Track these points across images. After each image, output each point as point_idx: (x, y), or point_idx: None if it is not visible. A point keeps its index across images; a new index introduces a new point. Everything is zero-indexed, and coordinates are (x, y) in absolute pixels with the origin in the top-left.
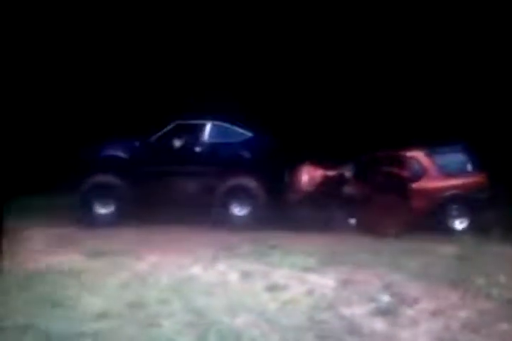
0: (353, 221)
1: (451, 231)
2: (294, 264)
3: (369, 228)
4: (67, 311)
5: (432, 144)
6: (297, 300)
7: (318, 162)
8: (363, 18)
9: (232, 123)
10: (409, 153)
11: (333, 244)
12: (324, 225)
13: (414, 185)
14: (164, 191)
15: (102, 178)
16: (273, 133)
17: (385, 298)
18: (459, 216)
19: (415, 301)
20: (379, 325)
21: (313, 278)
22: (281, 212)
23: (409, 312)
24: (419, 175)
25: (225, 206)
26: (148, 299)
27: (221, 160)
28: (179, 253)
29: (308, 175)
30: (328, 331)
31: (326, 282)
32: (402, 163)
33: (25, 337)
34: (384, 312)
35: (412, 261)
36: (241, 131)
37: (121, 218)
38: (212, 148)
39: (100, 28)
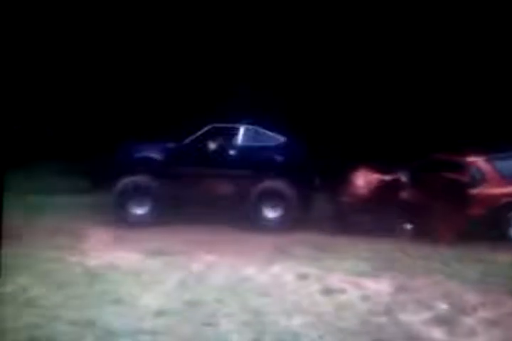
0: (408, 226)
1: (508, 239)
2: (349, 268)
3: (425, 234)
4: (127, 308)
5: (491, 149)
6: (353, 304)
7: (374, 166)
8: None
9: (266, 127)
10: (469, 159)
11: (387, 249)
12: (379, 230)
13: (473, 191)
14: (197, 193)
15: (136, 179)
16: (310, 138)
17: (443, 306)
18: None
19: (474, 310)
20: (437, 333)
21: (368, 283)
22: (336, 215)
23: (468, 321)
24: (478, 181)
25: (258, 208)
26: (205, 298)
27: (254, 164)
28: (233, 253)
29: (363, 180)
30: (384, 336)
31: (381, 287)
32: (461, 168)
33: (87, 332)
34: (442, 320)
35: (469, 268)
36: (274, 135)
37: (160, 218)
38: (246, 151)
39: (136, 29)
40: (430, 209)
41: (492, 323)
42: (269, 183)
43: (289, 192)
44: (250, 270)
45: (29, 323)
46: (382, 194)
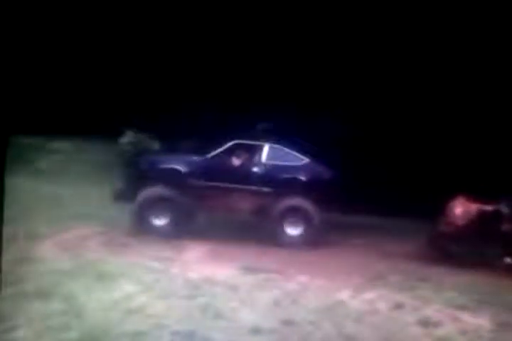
0: (509, 260)
1: None
2: (447, 300)
3: None
4: (226, 322)
5: None
6: (451, 338)
7: (474, 195)
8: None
9: (291, 147)
10: None
11: (486, 282)
12: (478, 262)
13: None
14: (217, 207)
15: (158, 190)
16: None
17: None
18: None
19: None
20: None
21: (467, 318)
22: (432, 244)
23: None
24: None
25: (279, 225)
26: (299, 319)
27: (277, 181)
28: (325, 275)
29: (462, 208)
30: None
31: (480, 322)
32: None
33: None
34: None
35: None
36: (298, 155)
37: (179, 231)
38: (269, 169)
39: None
40: None
41: None
42: (291, 201)
43: (311, 210)
44: (343, 294)
45: (134, 331)
46: (482, 225)
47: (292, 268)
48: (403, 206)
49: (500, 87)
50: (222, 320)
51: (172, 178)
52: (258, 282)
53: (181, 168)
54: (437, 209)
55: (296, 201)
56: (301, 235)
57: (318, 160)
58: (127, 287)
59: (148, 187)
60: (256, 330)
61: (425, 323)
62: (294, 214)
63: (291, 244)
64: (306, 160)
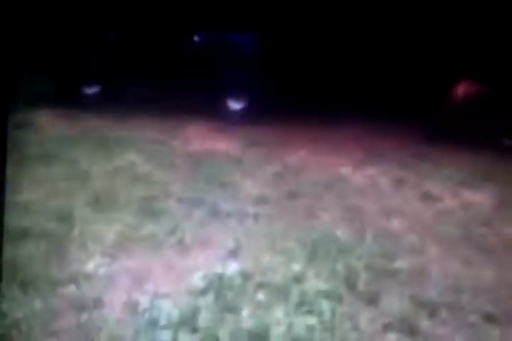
0: (507, 140)
1: None
2: (448, 176)
3: None
4: (231, 192)
5: None
6: (452, 211)
7: (475, 78)
8: None
9: None
10: None
11: (489, 160)
12: (480, 141)
13: None
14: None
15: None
16: None
17: None
18: None
19: None
20: None
21: (469, 193)
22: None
23: None
24: None
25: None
26: (302, 191)
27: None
28: (326, 151)
29: (464, 91)
30: (486, 246)
31: (482, 198)
32: None
33: (198, 209)
34: None
35: None
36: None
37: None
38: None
39: None
40: None
41: None
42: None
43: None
44: (345, 169)
45: (142, 196)
46: (483, 106)
47: (293, 144)
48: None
49: None
50: (228, 189)
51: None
52: (259, 155)
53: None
54: (441, 92)
55: (238, 74)
56: (242, 108)
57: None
58: (130, 155)
59: None
60: (261, 200)
61: (426, 197)
62: (236, 86)
63: (232, 117)
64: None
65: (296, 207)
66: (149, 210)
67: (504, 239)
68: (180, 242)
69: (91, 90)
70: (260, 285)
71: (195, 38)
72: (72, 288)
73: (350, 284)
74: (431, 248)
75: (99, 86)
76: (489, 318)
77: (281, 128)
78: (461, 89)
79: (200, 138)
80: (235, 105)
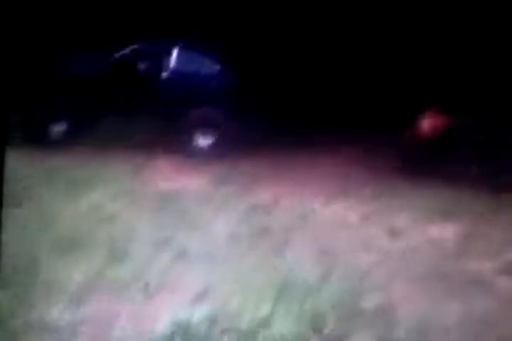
0: (477, 171)
1: None
2: (416, 211)
3: (493, 179)
4: (200, 231)
5: None
6: (419, 247)
7: (441, 110)
8: None
9: (201, 52)
10: None
11: (455, 194)
12: (446, 174)
13: None
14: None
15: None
16: None
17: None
18: None
19: None
20: (506, 282)
21: (435, 228)
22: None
23: None
24: None
25: (190, 134)
26: (274, 227)
27: (186, 89)
28: (297, 185)
29: (430, 123)
30: (452, 282)
31: (448, 232)
32: None
33: (166, 250)
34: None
35: None
36: (208, 61)
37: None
38: (178, 75)
39: None
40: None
41: None
42: (202, 110)
43: (223, 119)
44: (315, 204)
45: (108, 238)
46: (449, 138)
47: (264, 180)
48: (370, 120)
49: None
50: (198, 228)
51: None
52: (230, 193)
53: (86, 71)
54: (406, 123)
55: (206, 110)
56: (212, 145)
57: (230, 68)
58: (97, 195)
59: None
60: (231, 239)
61: (393, 233)
62: (205, 123)
63: (203, 154)
64: (216, 67)
65: (265, 245)
66: (116, 253)
67: (471, 275)
68: (147, 286)
69: (57, 129)
70: (227, 331)
71: (163, 74)
72: (34, 339)
73: (317, 326)
74: (398, 285)
75: (65, 124)
76: None
77: (251, 164)
78: (429, 122)
79: (169, 176)
80: (203, 141)
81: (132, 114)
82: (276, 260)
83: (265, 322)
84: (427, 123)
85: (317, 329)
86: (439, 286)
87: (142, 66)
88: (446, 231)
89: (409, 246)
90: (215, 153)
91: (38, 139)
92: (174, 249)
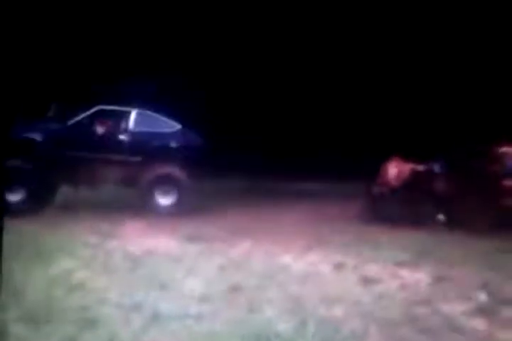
0: (441, 216)
1: None
2: (386, 258)
3: (459, 224)
4: (172, 293)
5: None
6: (391, 293)
7: (407, 156)
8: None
9: (160, 112)
10: (503, 149)
11: (422, 239)
12: (413, 220)
13: (508, 181)
14: (83, 179)
15: (12, 163)
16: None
17: (483, 297)
18: None
19: None
20: (477, 323)
21: (406, 273)
22: (370, 204)
23: (508, 312)
24: None
25: (150, 195)
26: (245, 284)
27: (146, 149)
28: (268, 240)
29: (396, 169)
30: (425, 326)
31: (419, 277)
32: (494, 158)
33: (138, 314)
34: (482, 310)
35: (507, 259)
36: (167, 121)
37: (36, 206)
38: (137, 136)
39: None
40: (463, 199)
41: None
42: (162, 169)
43: (183, 178)
44: (287, 258)
45: (79, 305)
46: (415, 183)
47: (235, 235)
48: (340, 170)
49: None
50: (168, 290)
51: (28, 149)
52: (201, 251)
53: (37, 137)
54: (372, 171)
55: (166, 169)
56: (173, 204)
57: (188, 127)
58: (66, 262)
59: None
60: (203, 298)
61: (366, 281)
62: (165, 182)
63: (163, 213)
64: (176, 126)
65: (238, 302)
66: (87, 320)
67: (444, 317)
68: None
69: (15, 198)
70: None
71: (123, 135)
72: None
73: None
74: (372, 332)
75: (28, 191)
76: None
77: (223, 220)
78: (394, 167)
79: (137, 238)
80: (166, 201)
81: (93, 179)
82: (251, 315)
83: None
84: (392, 170)
85: None
86: (413, 331)
87: (101, 129)
88: (417, 275)
89: (382, 292)
90: (180, 212)
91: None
92: (146, 312)
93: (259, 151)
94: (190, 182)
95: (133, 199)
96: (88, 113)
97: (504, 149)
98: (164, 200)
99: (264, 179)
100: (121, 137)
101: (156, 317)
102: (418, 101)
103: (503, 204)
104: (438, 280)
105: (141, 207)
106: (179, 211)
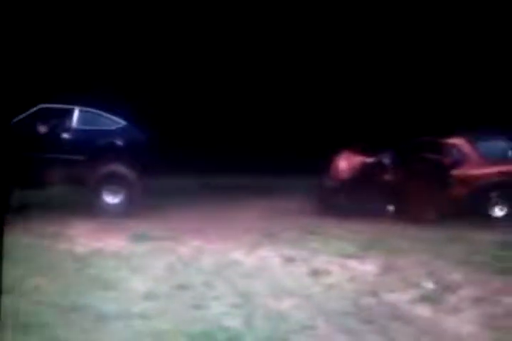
0: (391, 208)
1: (490, 219)
2: (336, 250)
3: (407, 215)
4: (117, 292)
5: (474, 131)
6: (340, 285)
7: (356, 149)
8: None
9: (103, 109)
10: (451, 140)
11: (372, 231)
12: (363, 212)
13: (455, 172)
14: (28, 180)
15: None
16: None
17: (429, 285)
18: (499, 203)
19: (458, 288)
20: (422, 310)
21: (355, 264)
22: (320, 198)
23: (453, 298)
24: (460, 162)
25: (97, 194)
26: (193, 282)
27: (91, 147)
28: (218, 237)
29: (346, 162)
30: (372, 316)
31: (367, 268)
32: (442, 149)
33: (80, 316)
34: (427, 298)
35: (453, 248)
36: (112, 118)
37: None
38: (81, 134)
39: None
40: (412, 190)
41: (476, 301)
42: (108, 167)
43: (131, 177)
44: (237, 254)
45: (25, 310)
46: (365, 176)
47: (186, 234)
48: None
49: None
50: (113, 290)
51: None
52: (150, 250)
53: None
54: (322, 164)
55: (111, 167)
56: (121, 203)
57: (133, 124)
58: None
59: None
60: (150, 297)
61: (315, 273)
62: (112, 181)
63: (111, 212)
64: (121, 123)
65: (186, 300)
66: (24, 325)
67: (390, 307)
68: None
69: None
70: None
71: (66, 133)
72: None
73: None
74: (319, 324)
75: None
76: None
77: (175, 218)
78: (344, 160)
79: (85, 238)
80: (113, 200)
81: (39, 180)
82: (199, 312)
83: None
84: (342, 163)
85: None
86: (360, 322)
87: (43, 128)
88: (365, 266)
89: (331, 284)
90: (130, 211)
91: None
92: (91, 312)
93: (216, 148)
94: (139, 180)
95: (82, 199)
96: (29, 112)
97: (451, 141)
98: (112, 199)
99: (220, 176)
100: (65, 136)
101: (99, 318)
102: (368, 95)
103: (450, 194)
104: (386, 270)
105: (90, 207)
106: (129, 210)
